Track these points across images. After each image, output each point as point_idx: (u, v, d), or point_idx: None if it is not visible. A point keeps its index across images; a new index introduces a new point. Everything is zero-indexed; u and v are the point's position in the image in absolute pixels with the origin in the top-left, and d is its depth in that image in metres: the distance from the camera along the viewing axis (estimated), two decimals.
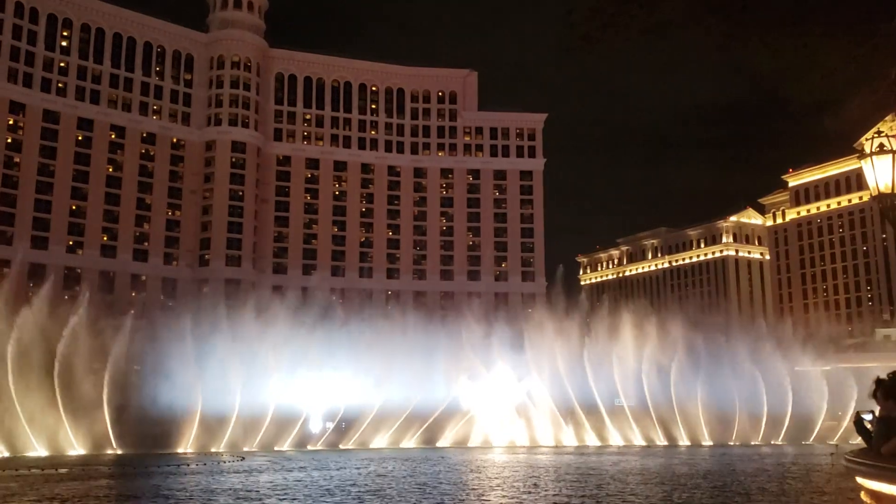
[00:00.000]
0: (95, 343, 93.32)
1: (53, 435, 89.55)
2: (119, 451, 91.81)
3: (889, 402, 13.74)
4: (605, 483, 55.76)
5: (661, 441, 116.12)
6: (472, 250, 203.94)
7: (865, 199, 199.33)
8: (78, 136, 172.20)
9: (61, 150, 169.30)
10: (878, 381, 14.02)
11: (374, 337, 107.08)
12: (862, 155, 16.91)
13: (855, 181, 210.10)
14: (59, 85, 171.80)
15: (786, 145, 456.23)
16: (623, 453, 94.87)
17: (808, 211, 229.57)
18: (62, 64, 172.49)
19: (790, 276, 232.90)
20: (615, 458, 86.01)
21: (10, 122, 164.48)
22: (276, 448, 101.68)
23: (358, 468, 70.17)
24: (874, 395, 14.01)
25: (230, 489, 52.23)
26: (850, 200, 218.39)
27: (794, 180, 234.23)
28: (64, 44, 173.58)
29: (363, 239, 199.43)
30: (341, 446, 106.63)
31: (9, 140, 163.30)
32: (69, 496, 48.06)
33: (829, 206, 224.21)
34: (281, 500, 46.85)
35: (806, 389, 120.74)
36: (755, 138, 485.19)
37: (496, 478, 61.48)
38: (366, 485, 54.84)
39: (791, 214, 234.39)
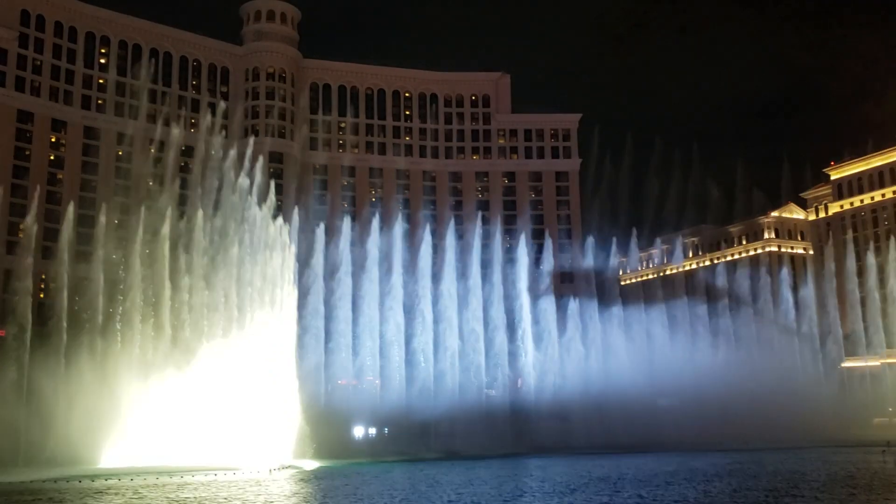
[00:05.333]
0: None
1: None
2: None
3: None
4: None
5: None
6: (510, 254, 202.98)
7: None
8: (118, 152, 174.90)
9: (102, 165, 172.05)
10: None
11: None
12: None
13: None
14: (99, 101, 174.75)
15: (826, 138, 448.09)
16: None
17: (852, 204, 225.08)
18: (101, 81, 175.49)
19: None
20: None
21: (53, 140, 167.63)
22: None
23: None
24: None
25: None
26: (894, 192, 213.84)
27: (837, 173, 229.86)
28: (102, 61, 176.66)
29: None
30: None
31: (52, 157, 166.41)
32: None
33: (872, 198, 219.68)
34: None
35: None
36: (794, 132, 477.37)
37: None
38: None
39: (834, 208, 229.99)
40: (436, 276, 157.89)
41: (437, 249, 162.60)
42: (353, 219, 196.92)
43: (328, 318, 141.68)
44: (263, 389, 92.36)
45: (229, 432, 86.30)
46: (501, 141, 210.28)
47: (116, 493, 63.02)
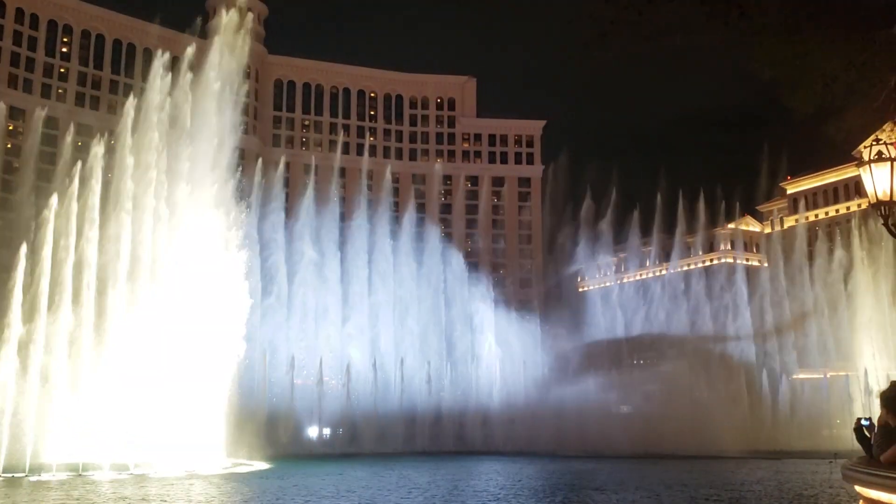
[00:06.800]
0: None
1: None
2: None
3: (888, 412, 13.72)
4: None
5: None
6: (470, 257, 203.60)
7: (864, 206, 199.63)
8: (77, 142, 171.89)
9: (60, 155, 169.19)
10: (883, 392, 14.00)
11: None
12: (860, 163, 16.91)
13: (853, 189, 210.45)
14: (59, 91, 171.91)
15: (786, 152, 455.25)
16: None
17: (807, 218, 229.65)
18: (62, 70, 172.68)
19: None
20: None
21: (10, 128, 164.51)
22: None
23: None
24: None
25: None
26: (848, 208, 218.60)
27: (793, 188, 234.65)
28: (64, 50, 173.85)
29: None
30: None
31: (9, 145, 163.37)
32: None
33: (827, 213, 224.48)
34: None
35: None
36: (756, 146, 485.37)
37: None
38: None
39: (790, 222, 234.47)
40: (395, 278, 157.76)
41: (398, 252, 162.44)
42: (295, 215, 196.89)
43: (285, 318, 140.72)
44: (206, 381, 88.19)
45: (173, 429, 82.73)
46: (465, 145, 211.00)
47: (39, 490, 62.06)
